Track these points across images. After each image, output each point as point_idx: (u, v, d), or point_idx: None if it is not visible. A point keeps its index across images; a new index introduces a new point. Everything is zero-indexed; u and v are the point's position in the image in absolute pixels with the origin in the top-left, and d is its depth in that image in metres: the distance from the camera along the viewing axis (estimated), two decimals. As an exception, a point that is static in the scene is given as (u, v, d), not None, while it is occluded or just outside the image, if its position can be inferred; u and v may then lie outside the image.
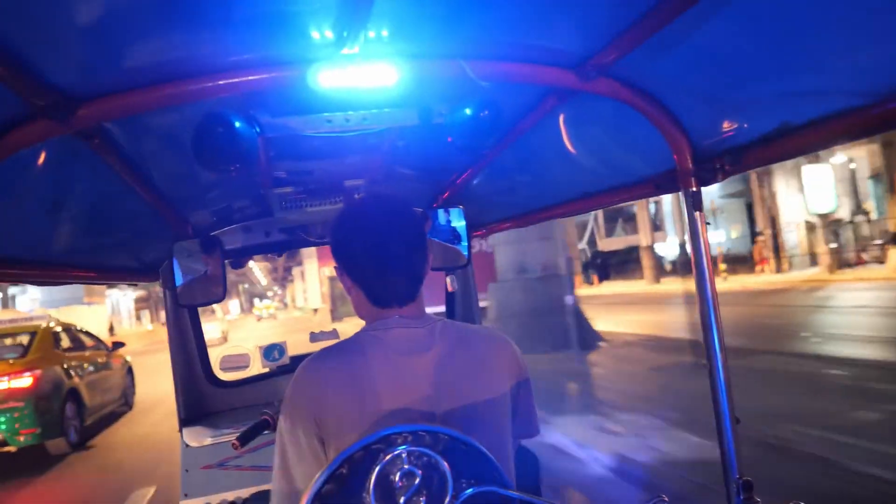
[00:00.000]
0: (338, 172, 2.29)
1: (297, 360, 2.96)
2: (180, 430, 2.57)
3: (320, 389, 1.28)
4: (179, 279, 2.37)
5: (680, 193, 1.63)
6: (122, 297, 50.69)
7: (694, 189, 1.60)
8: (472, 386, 1.32)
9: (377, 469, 1.14)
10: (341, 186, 2.35)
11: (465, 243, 2.66)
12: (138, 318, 53.88)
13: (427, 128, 1.90)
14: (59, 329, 9.64)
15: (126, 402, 11.32)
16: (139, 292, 52.37)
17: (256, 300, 79.46)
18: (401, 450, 1.15)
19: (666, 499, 1.29)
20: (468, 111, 1.39)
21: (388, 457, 1.14)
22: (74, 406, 8.75)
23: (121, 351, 11.57)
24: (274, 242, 2.71)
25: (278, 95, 1.36)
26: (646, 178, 1.80)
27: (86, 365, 9.62)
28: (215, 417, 2.70)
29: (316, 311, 39.48)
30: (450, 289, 2.96)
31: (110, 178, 1.65)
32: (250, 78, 1.27)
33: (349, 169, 2.28)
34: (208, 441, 2.47)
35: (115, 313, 47.30)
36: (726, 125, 1.51)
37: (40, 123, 1.15)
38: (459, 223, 2.63)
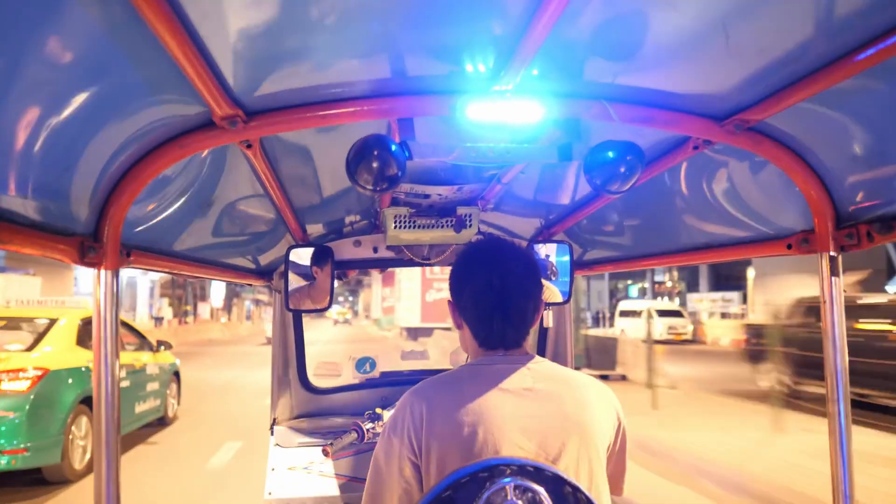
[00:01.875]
0: (452, 198, 2.33)
1: (387, 375, 3.02)
2: (271, 430, 2.67)
3: (425, 417, 1.31)
4: (290, 285, 2.47)
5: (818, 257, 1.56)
6: (141, 277, 35.53)
7: (833, 253, 1.53)
8: (574, 428, 1.31)
9: (483, 497, 1.15)
10: (453, 212, 2.40)
11: (566, 280, 2.63)
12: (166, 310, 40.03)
13: (555, 164, 1.91)
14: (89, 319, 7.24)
15: (163, 416, 9.26)
16: (164, 275, 31.96)
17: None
18: (507, 482, 1.16)
19: None
20: (611, 154, 1.39)
21: (494, 486, 1.15)
22: (89, 421, 6.47)
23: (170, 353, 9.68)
24: (381, 259, 2.79)
25: (427, 123, 1.42)
26: (777, 236, 1.73)
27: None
28: (305, 421, 2.78)
29: (414, 334, 24.69)
30: (546, 324, 2.93)
31: (253, 182, 1.76)
32: (404, 104, 1.33)
33: (464, 196, 2.33)
34: (297, 443, 2.55)
35: (130, 299, 34.85)
36: (878, 192, 1.44)
37: (217, 131, 1.26)
38: (564, 259, 2.61)
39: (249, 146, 1.40)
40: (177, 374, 10.07)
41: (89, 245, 1.29)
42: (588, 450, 1.30)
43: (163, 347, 9.40)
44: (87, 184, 1.24)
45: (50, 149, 1.08)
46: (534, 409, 1.30)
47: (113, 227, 1.33)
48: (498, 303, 1.37)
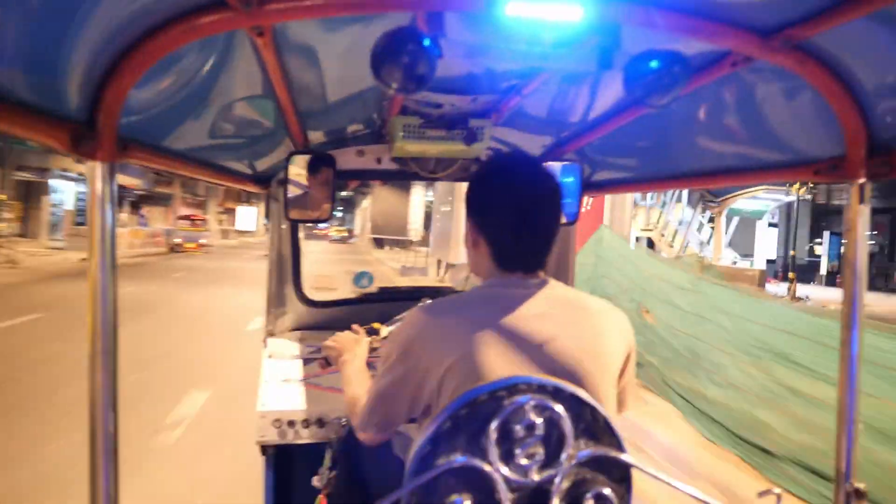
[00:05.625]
0: (465, 109, 2.23)
1: (385, 290, 3.00)
2: (264, 342, 2.65)
3: (436, 339, 1.29)
4: (289, 192, 2.40)
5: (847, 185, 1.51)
6: None
7: (862, 181, 1.47)
8: (587, 352, 1.31)
9: (502, 415, 1.14)
10: (465, 124, 2.30)
11: (574, 201, 2.58)
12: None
13: (571, 76, 1.80)
14: None
15: None
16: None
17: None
18: (526, 399, 1.15)
19: (777, 492, 1.27)
20: (655, 64, 1.26)
21: (512, 405, 1.15)
22: None
23: None
24: (384, 170, 2.71)
25: (458, 18, 1.29)
26: (805, 161, 1.67)
27: None
28: (300, 334, 2.77)
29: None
30: None
31: (259, 78, 1.65)
32: None
33: (477, 107, 2.22)
34: (290, 356, 2.55)
35: None
36: None
37: (228, 13, 1.12)
38: (573, 179, 2.54)
39: (261, 34, 1.27)
40: None
41: (82, 133, 1.18)
42: (601, 373, 1.31)
43: None
44: (82, 62, 1.11)
45: (41, 15, 0.96)
46: (547, 334, 1.29)
47: (110, 114, 1.19)
48: (527, 220, 1.34)
